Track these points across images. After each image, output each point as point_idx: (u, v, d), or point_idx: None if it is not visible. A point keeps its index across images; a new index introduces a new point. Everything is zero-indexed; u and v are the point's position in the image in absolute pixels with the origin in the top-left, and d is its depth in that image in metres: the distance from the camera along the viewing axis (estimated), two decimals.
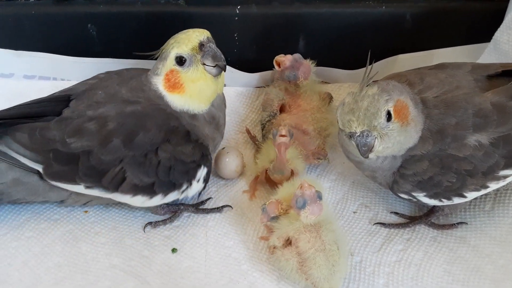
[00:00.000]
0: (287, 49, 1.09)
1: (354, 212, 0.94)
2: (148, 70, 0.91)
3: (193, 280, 0.84)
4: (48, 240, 0.89)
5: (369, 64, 0.79)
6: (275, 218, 0.84)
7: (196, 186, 0.89)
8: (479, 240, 0.87)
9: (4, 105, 1.05)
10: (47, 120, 0.86)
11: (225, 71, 0.88)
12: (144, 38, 1.13)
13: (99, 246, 0.88)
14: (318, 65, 1.08)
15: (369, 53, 0.80)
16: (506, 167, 0.81)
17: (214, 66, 0.86)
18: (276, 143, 0.89)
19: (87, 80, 0.94)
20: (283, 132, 0.89)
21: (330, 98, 1.09)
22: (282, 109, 1.04)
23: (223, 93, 0.94)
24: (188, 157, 0.86)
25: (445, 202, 0.85)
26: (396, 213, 0.93)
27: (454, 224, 0.90)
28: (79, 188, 0.86)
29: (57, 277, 0.84)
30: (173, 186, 0.87)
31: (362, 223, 0.92)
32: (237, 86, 1.16)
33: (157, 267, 0.86)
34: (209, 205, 0.95)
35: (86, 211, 0.93)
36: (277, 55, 1.07)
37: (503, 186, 0.86)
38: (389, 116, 0.78)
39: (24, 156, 0.85)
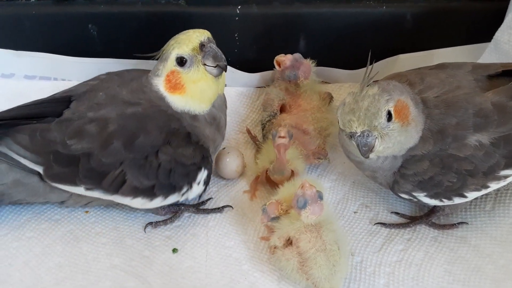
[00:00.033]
0: (287, 49, 1.09)
1: (354, 212, 0.94)
2: (149, 71, 0.91)
3: (194, 280, 0.84)
4: (49, 240, 0.89)
5: (370, 64, 0.80)
6: (276, 218, 0.84)
7: (197, 188, 0.89)
8: (480, 240, 0.87)
9: (4, 105, 1.05)
10: (48, 121, 0.86)
11: (226, 71, 0.88)
12: (144, 38, 1.13)
13: (100, 246, 0.88)
14: (318, 65, 1.08)
15: (370, 53, 0.80)
16: (506, 167, 0.81)
17: (215, 67, 0.86)
18: (275, 144, 0.89)
19: (88, 81, 0.94)
20: (282, 134, 0.89)
21: (331, 98, 1.09)
22: (282, 109, 1.04)
23: (224, 94, 0.94)
24: (188, 160, 0.86)
25: (446, 202, 0.85)
26: (396, 213, 0.93)
27: (455, 224, 0.90)
28: (79, 190, 0.86)
29: (58, 277, 0.84)
30: (173, 188, 0.87)
31: (362, 223, 0.92)
32: (238, 86, 1.16)
33: (158, 267, 0.86)
34: (209, 205, 0.95)
35: (87, 211, 0.93)
36: (278, 55, 1.07)
37: (504, 186, 0.86)
38: (389, 116, 0.78)
39: (25, 157, 0.85)
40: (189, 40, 0.86)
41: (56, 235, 0.90)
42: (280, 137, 0.89)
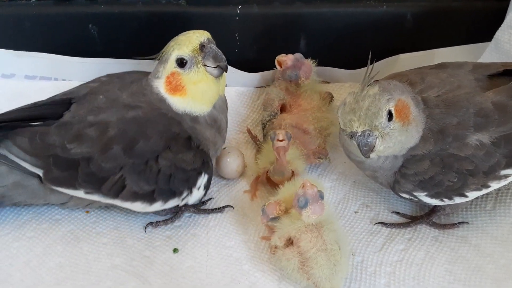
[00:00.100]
0: (288, 49, 1.09)
1: (355, 212, 0.94)
2: (149, 73, 0.90)
3: (195, 280, 0.84)
4: (50, 240, 0.89)
5: (370, 64, 0.79)
6: (275, 219, 0.84)
7: (197, 193, 0.89)
8: (481, 239, 0.87)
9: (5, 105, 1.05)
10: (48, 124, 0.85)
11: (226, 71, 0.88)
12: (145, 38, 1.13)
13: (101, 246, 0.88)
14: (319, 64, 1.08)
15: (370, 52, 0.80)
16: (507, 166, 0.81)
17: (215, 67, 0.86)
18: (274, 147, 0.89)
19: (88, 83, 0.94)
20: (280, 137, 0.89)
21: (331, 97, 1.09)
22: (283, 109, 1.04)
23: (225, 96, 0.94)
24: (188, 165, 0.85)
25: (447, 202, 0.85)
26: (397, 213, 0.93)
27: (456, 223, 0.90)
28: (79, 193, 0.86)
29: (58, 277, 0.84)
30: (173, 193, 0.86)
31: (363, 223, 0.92)
32: (238, 86, 1.16)
33: (159, 267, 0.86)
34: (210, 205, 0.95)
35: (87, 212, 0.93)
36: (278, 55, 1.07)
37: (505, 185, 0.86)
38: (390, 115, 0.77)
39: (24, 160, 0.85)
40: (189, 41, 0.85)
41: (57, 235, 0.90)
42: (278, 140, 0.89)
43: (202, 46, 0.85)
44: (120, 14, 1.12)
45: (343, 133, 0.82)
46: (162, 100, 0.87)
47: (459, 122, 0.80)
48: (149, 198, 0.86)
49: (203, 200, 0.94)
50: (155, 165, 0.84)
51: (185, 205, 0.92)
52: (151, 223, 0.91)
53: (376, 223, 0.91)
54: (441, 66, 0.90)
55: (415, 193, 0.85)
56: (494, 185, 0.83)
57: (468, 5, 1.13)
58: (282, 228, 0.82)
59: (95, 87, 0.91)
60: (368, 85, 0.79)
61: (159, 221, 0.91)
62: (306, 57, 1.07)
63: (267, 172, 0.95)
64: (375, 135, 0.78)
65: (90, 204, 0.90)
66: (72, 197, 0.88)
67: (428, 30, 1.13)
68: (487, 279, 0.82)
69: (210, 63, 0.85)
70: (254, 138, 1.05)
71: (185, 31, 0.89)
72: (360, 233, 0.90)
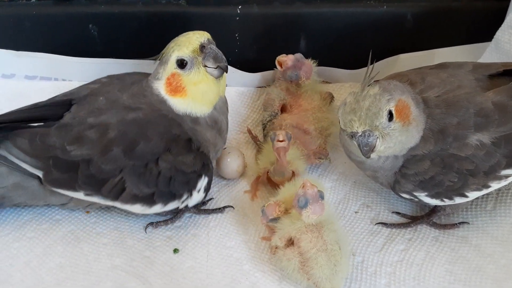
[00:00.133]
0: (288, 49, 1.09)
1: (355, 212, 0.94)
2: (150, 74, 0.90)
3: (195, 281, 0.84)
4: (50, 240, 0.89)
5: (371, 64, 0.79)
6: (275, 219, 0.84)
7: (197, 196, 0.88)
8: (481, 239, 0.87)
9: (5, 105, 1.05)
10: (48, 125, 0.85)
11: (227, 72, 0.87)
12: (145, 39, 1.13)
13: (101, 246, 0.88)
14: (319, 65, 1.08)
15: (370, 53, 0.80)
16: (507, 166, 0.81)
17: (215, 68, 0.86)
18: (274, 148, 0.89)
19: (89, 84, 0.93)
20: (281, 138, 0.88)
21: (331, 97, 1.09)
22: (283, 109, 1.04)
23: (225, 97, 0.93)
24: (188, 168, 0.85)
25: (447, 202, 0.85)
26: (397, 213, 0.93)
27: (456, 223, 0.90)
28: (79, 195, 0.85)
29: (59, 278, 0.84)
30: (173, 196, 0.86)
31: (363, 223, 0.92)
32: (238, 86, 1.16)
33: (159, 268, 0.86)
34: (210, 205, 0.95)
35: (87, 212, 0.93)
36: (278, 55, 1.07)
37: (505, 185, 0.86)
38: (390, 116, 0.77)
39: (24, 161, 0.84)
40: (189, 42, 0.85)
41: (57, 236, 0.90)
42: (278, 141, 0.89)
43: (202, 47, 0.85)
44: (120, 14, 1.12)
45: (343, 133, 0.82)
46: (163, 102, 0.87)
47: (459, 122, 0.80)
48: (149, 200, 0.85)
49: (203, 200, 0.94)
50: (155, 167, 0.84)
51: (186, 207, 0.92)
52: (151, 224, 0.91)
53: (377, 223, 0.91)
54: (442, 66, 0.90)
55: (415, 193, 0.85)
56: (495, 185, 0.83)
57: (468, 5, 1.13)
58: (283, 229, 0.82)
59: (95, 88, 0.91)
60: (368, 85, 0.79)
61: (160, 222, 0.91)
62: (306, 57, 1.07)
63: (268, 172, 0.95)
64: (376, 135, 0.78)
65: (91, 205, 0.90)
66: (72, 198, 0.88)
67: (428, 30, 1.13)
68: (487, 279, 0.82)
69: (210, 63, 0.85)
70: (254, 138, 1.05)
71: (185, 31, 0.89)
72: (360, 233, 0.90)
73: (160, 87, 0.87)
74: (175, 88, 0.86)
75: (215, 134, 0.90)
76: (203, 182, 0.88)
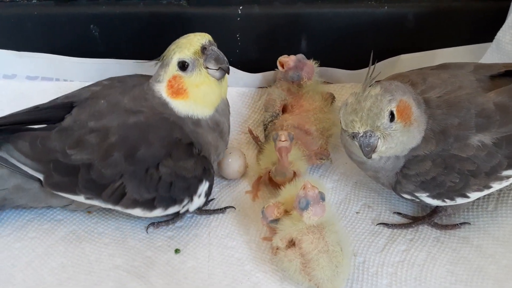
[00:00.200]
0: (289, 50, 1.09)
1: (357, 213, 0.94)
2: (151, 76, 0.89)
3: (197, 281, 0.84)
4: (52, 240, 0.89)
5: (372, 64, 0.79)
6: (275, 221, 0.84)
7: (197, 201, 0.88)
8: (482, 240, 0.87)
9: (7, 106, 1.05)
10: (49, 128, 0.85)
11: (228, 73, 0.87)
12: (146, 39, 1.13)
13: (103, 246, 0.88)
14: (320, 65, 1.08)
15: (372, 53, 0.80)
16: (509, 167, 0.81)
17: (217, 69, 0.85)
18: (277, 147, 0.89)
19: (90, 86, 0.93)
20: (283, 138, 0.88)
21: (333, 98, 1.09)
22: (284, 110, 1.04)
23: (227, 99, 0.93)
24: (189, 173, 0.85)
25: (448, 203, 0.85)
26: (399, 214, 0.93)
27: (457, 224, 0.90)
28: (80, 198, 0.85)
29: (60, 278, 0.84)
30: (173, 201, 0.86)
31: (365, 224, 0.92)
32: (239, 86, 1.16)
33: (160, 268, 0.86)
34: (212, 205, 0.95)
35: (89, 212, 0.93)
36: (279, 55, 1.07)
37: (506, 186, 0.86)
38: (392, 116, 0.77)
39: (25, 164, 0.84)
40: (190, 44, 0.85)
41: (59, 236, 0.90)
42: (281, 140, 0.89)
43: (203, 49, 0.85)
44: (122, 15, 1.12)
45: (344, 134, 0.82)
46: (164, 104, 0.87)
47: (460, 123, 0.80)
48: (150, 205, 0.85)
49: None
50: (156, 172, 0.84)
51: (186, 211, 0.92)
52: (152, 224, 0.91)
53: (378, 224, 0.91)
54: (443, 66, 0.90)
55: (416, 194, 0.85)
56: (496, 186, 0.83)
57: (469, 6, 1.13)
58: (284, 230, 0.82)
59: (96, 91, 0.90)
60: (369, 86, 0.79)
61: (161, 222, 0.91)
62: (308, 58, 1.07)
63: (269, 172, 0.95)
64: (377, 136, 0.78)
65: (92, 206, 0.90)
66: (73, 200, 0.88)
67: (429, 31, 1.13)
68: (489, 279, 0.82)
69: (212, 65, 0.85)
70: (255, 138, 1.06)
71: (186, 31, 0.89)
72: (361, 233, 0.90)
73: (162, 89, 0.87)
74: (177, 91, 0.86)
75: (216, 137, 0.90)
76: (204, 187, 0.87)
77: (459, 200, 0.84)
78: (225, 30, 1.13)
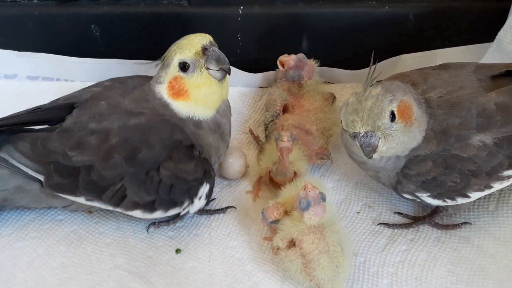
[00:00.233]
0: (290, 49, 1.09)
1: (357, 213, 0.94)
2: (152, 77, 0.89)
3: (197, 280, 0.84)
4: (53, 240, 0.89)
5: (373, 64, 0.79)
6: (275, 222, 0.84)
7: (198, 203, 0.88)
8: (483, 240, 0.87)
9: (7, 106, 1.06)
10: (50, 129, 0.85)
11: (229, 74, 0.87)
12: (147, 39, 1.13)
13: (104, 246, 0.89)
14: (321, 65, 1.08)
15: (372, 53, 0.80)
16: (510, 167, 0.81)
17: (218, 70, 0.85)
18: (278, 147, 0.89)
19: (91, 87, 0.93)
20: (285, 139, 0.88)
21: (333, 98, 1.09)
22: (285, 109, 1.04)
23: (228, 100, 0.93)
24: (190, 175, 0.85)
25: (449, 202, 0.85)
26: (399, 213, 0.93)
27: (458, 224, 0.90)
28: (80, 200, 0.85)
29: (61, 278, 0.84)
30: (174, 203, 0.86)
31: (365, 224, 0.92)
32: (240, 86, 1.16)
33: (161, 268, 0.86)
34: (212, 205, 0.95)
35: (90, 212, 0.93)
36: (280, 55, 1.07)
37: (507, 186, 0.86)
38: (393, 116, 0.77)
39: (26, 165, 0.84)
40: (191, 45, 0.84)
41: (60, 235, 0.90)
42: (283, 141, 0.89)
43: (204, 49, 0.84)
44: (122, 15, 1.12)
45: (345, 134, 0.82)
46: (165, 105, 0.86)
47: (461, 123, 0.80)
48: (150, 207, 0.85)
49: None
50: (156, 175, 0.83)
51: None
52: (153, 224, 0.91)
53: (379, 224, 0.91)
54: (444, 66, 0.90)
55: (417, 194, 0.85)
56: (497, 186, 0.83)
57: (470, 6, 1.13)
58: (284, 230, 0.82)
59: (97, 92, 0.90)
60: (370, 86, 0.79)
61: (162, 222, 0.91)
62: (308, 58, 1.07)
63: (270, 172, 0.95)
64: (378, 136, 0.78)
65: (93, 206, 0.90)
66: (73, 202, 0.88)
67: (430, 31, 1.13)
68: (489, 279, 0.82)
69: (213, 66, 0.85)
70: (256, 138, 1.06)
71: (187, 31, 0.89)
72: (362, 233, 0.90)
73: (163, 91, 0.87)
74: (178, 92, 0.86)
75: (217, 138, 0.89)
76: (204, 189, 0.87)
77: (460, 200, 0.84)
78: (226, 30, 1.13)
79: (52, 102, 0.92)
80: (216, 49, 0.85)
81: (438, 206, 0.89)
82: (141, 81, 0.91)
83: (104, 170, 0.82)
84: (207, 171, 0.86)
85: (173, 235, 0.91)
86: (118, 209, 0.86)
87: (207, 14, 1.12)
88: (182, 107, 0.86)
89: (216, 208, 0.94)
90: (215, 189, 0.97)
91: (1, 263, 0.86)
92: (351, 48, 1.15)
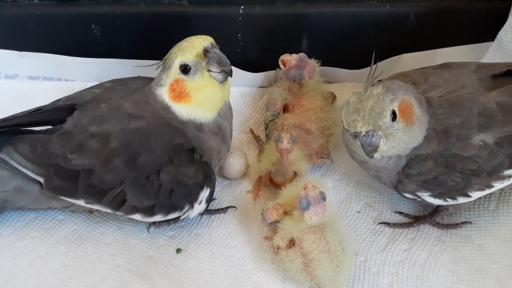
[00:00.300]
0: (290, 49, 1.08)
1: (358, 212, 0.94)
2: (153, 79, 0.89)
3: (198, 280, 0.84)
4: (53, 240, 0.89)
5: (373, 64, 0.79)
6: (274, 222, 0.83)
7: (198, 207, 0.87)
8: (484, 239, 0.87)
9: (8, 106, 1.06)
10: (50, 131, 0.85)
11: (231, 76, 0.86)
12: (147, 39, 1.13)
13: (104, 246, 0.89)
14: (321, 65, 1.08)
15: (374, 52, 0.80)
16: (510, 166, 0.81)
17: (219, 72, 0.84)
18: (278, 148, 0.89)
19: (92, 88, 0.93)
20: (285, 141, 0.88)
21: (333, 97, 1.09)
22: (285, 109, 1.04)
23: (229, 102, 0.93)
24: (190, 180, 0.84)
25: (450, 202, 0.85)
26: (400, 213, 0.93)
27: (459, 223, 0.90)
28: (80, 202, 0.85)
29: (62, 278, 0.84)
30: (174, 208, 0.86)
31: (366, 223, 0.92)
32: (241, 86, 1.16)
33: (162, 267, 0.86)
34: (213, 205, 0.95)
35: (91, 212, 0.93)
36: (281, 55, 1.07)
37: (508, 185, 0.86)
38: (394, 115, 0.77)
39: (26, 167, 0.84)
40: (192, 47, 0.84)
41: (60, 235, 0.90)
42: (282, 143, 0.89)
43: (205, 51, 0.84)
44: (123, 15, 1.12)
45: (346, 133, 0.82)
46: (166, 108, 0.86)
47: (462, 122, 0.80)
48: (150, 211, 0.85)
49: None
50: (157, 180, 0.83)
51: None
52: (154, 223, 0.90)
53: (379, 223, 0.91)
54: (445, 66, 0.90)
55: (418, 193, 0.85)
56: (498, 185, 0.83)
57: (470, 5, 1.13)
58: (285, 229, 0.82)
59: (98, 93, 0.89)
60: (371, 85, 0.79)
61: (162, 222, 0.91)
62: (309, 57, 1.07)
63: (269, 172, 0.95)
64: (379, 135, 0.78)
65: (92, 208, 0.90)
66: (73, 203, 0.87)
67: (431, 30, 1.13)
68: (490, 279, 0.82)
69: (214, 68, 0.84)
70: (256, 138, 1.06)
71: (187, 31, 0.89)
72: (363, 233, 0.90)
73: (164, 93, 0.86)
74: (179, 94, 0.85)
75: (219, 141, 0.89)
76: (204, 193, 0.86)
77: (461, 200, 0.84)
78: (227, 29, 1.13)
79: (52, 103, 0.91)
80: (217, 51, 0.85)
81: (438, 205, 0.89)
82: (142, 82, 0.90)
83: (104, 174, 0.82)
84: (207, 175, 0.86)
85: (173, 234, 0.91)
86: (118, 213, 0.85)
87: (208, 14, 1.12)
88: (183, 110, 0.86)
89: (217, 208, 0.94)
90: (216, 189, 0.97)
91: (2, 263, 0.86)
92: (352, 47, 1.15)
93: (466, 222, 0.90)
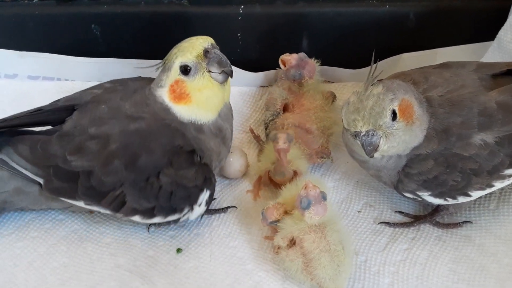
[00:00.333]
0: (290, 49, 1.08)
1: (358, 212, 0.94)
2: (153, 79, 0.88)
3: (198, 280, 0.84)
4: (53, 240, 0.89)
5: (374, 63, 0.79)
6: (275, 222, 0.83)
7: (198, 209, 0.87)
8: (484, 239, 0.87)
9: (8, 105, 1.06)
10: (50, 132, 0.85)
11: (232, 77, 0.86)
12: (147, 38, 1.13)
13: (104, 246, 0.88)
14: (321, 64, 1.08)
15: (374, 52, 0.80)
16: (511, 166, 0.81)
17: (220, 73, 0.84)
18: (275, 148, 0.89)
19: (92, 88, 0.92)
20: (280, 141, 0.88)
21: (334, 97, 1.09)
22: (285, 109, 1.04)
23: (230, 103, 0.92)
24: (190, 182, 0.84)
25: (450, 201, 0.85)
26: (400, 212, 0.93)
27: (459, 223, 0.90)
28: (79, 203, 0.85)
29: (62, 278, 0.84)
30: (173, 210, 0.85)
31: (366, 223, 0.92)
32: (241, 85, 1.15)
33: (162, 267, 0.86)
34: (213, 205, 0.95)
35: (91, 212, 0.93)
36: (281, 54, 1.07)
37: (508, 185, 0.86)
38: (394, 115, 0.77)
39: (25, 168, 0.84)
40: (192, 48, 0.83)
41: (61, 235, 0.90)
42: (278, 143, 0.89)
43: (206, 52, 0.83)
44: (123, 14, 1.12)
45: (346, 133, 0.82)
46: (166, 109, 0.85)
47: (463, 122, 0.80)
48: (149, 213, 0.85)
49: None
50: (156, 182, 0.83)
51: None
52: (154, 223, 0.90)
53: (380, 223, 0.91)
54: (445, 65, 0.90)
55: (418, 193, 0.85)
56: (498, 185, 0.83)
57: (470, 5, 1.13)
58: (285, 229, 0.82)
59: (98, 94, 0.89)
60: (371, 85, 0.79)
61: (162, 222, 0.91)
62: (309, 57, 1.07)
63: (268, 172, 0.95)
64: (379, 135, 0.77)
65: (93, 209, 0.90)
66: (73, 204, 0.87)
67: (431, 30, 1.13)
68: (490, 278, 0.82)
69: (215, 68, 0.84)
70: (256, 137, 1.06)
71: (187, 31, 0.89)
72: (363, 232, 0.90)
73: (164, 94, 0.86)
74: (179, 95, 0.85)
75: (219, 143, 0.89)
76: (204, 196, 0.86)
77: (461, 199, 0.84)
78: (227, 29, 1.13)
79: (52, 103, 0.91)
80: (218, 51, 0.84)
81: (439, 205, 0.89)
82: (142, 83, 0.90)
83: (103, 175, 0.82)
84: (207, 178, 0.86)
85: (174, 234, 0.91)
86: (118, 214, 0.85)
87: (208, 13, 1.12)
88: (183, 111, 0.85)
89: (217, 208, 0.94)
90: (216, 189, 0.97)
91: (2, 263, 0.86)
92: (352, 47, 1.15)
93: (466, 222, 0.90)
